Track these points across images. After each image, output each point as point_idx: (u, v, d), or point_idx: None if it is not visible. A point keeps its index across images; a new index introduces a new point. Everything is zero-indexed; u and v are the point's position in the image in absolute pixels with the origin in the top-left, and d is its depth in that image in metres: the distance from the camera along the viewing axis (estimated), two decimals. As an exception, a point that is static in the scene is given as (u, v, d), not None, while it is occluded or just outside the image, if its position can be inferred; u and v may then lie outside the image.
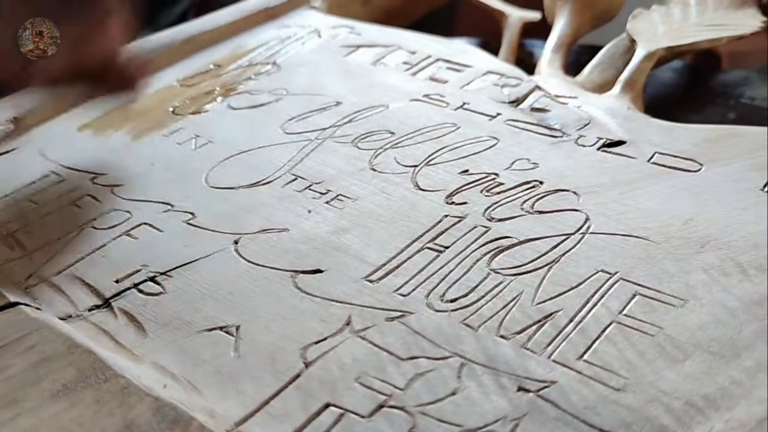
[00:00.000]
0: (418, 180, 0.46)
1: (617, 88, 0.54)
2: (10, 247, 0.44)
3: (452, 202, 0.44)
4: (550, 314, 0.37)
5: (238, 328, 0.38)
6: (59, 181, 0.49)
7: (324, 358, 0.35)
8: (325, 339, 0.36)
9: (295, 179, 0.48)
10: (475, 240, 0.41)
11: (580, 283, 0.38)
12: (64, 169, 0.50)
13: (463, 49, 0.61)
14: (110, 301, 0.40)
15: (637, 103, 0.53)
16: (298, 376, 0.35)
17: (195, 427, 0.32)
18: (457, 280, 0.39)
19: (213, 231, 0.44)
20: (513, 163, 0.47)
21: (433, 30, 0.64)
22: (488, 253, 0.41)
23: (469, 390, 0.33)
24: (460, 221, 0.43)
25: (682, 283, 0.38)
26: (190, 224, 0.45)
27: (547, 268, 0.39)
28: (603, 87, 0.56)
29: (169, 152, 0.51)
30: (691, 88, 0.64)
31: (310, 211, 0.45)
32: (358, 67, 0.59)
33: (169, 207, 0.46)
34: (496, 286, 0.39)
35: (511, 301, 0.38)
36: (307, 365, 0.35)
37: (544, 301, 0.37)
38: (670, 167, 0.45)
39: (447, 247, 0.41)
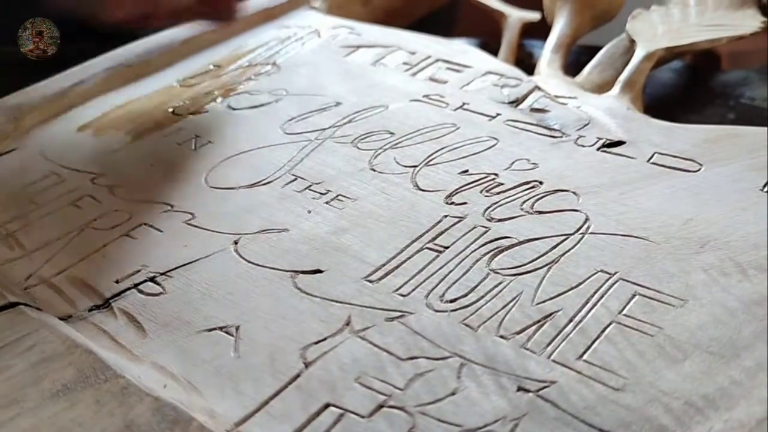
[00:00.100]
0: (417, 180, 0.46)
1: (617, 88, 0.54)
2: (10, 247, 0.44)
3: (452, 203, 0.44)
4: (550, 314, 0.37)
5: (237, 328, 0.38)
6: (59, 182, 0.49)
7: (324, 359, 0.35)
8: (324, 339, 0.36)
9: (295, 179, 0.48)
10: (475, 240, 0.41)
11: (580, 283, 0.38)
12: (64, 170, 0.50)
13: (462, 49, 0.61)
14: (110, 301, 0.40)
15: (636, 103, 0.53)
16: (297, 376, 0.35)
17: (195, 427, 0.32)
18: (456, 281, 0.39)
19: (213, 231, 0.44)
20: (513, 163, 0.47)
21: (433, 30, 0.64)
22: (488, 253, 0.41)
23: (468, 390, 0.33)
24: (459, 221, 0.43)
25: (681, 283, 0.38)
26: (189, 224, 0.45)
27: (546, 268, 0.39)
28: (602, 87, 0.56)
29: (169, 152, 0.51)
30: (690, 88, 0.64)
31: (309, 212, 0.45)
32: (358, 67, 0.59)
33: (169, 207, 0.46)
34: (495, 286, 0.39)
35: (511, 301, 0.38)
36: (306, 365, 0.35)
37: (544, 301, 0.37)
38: (669, 167, 0.45)
39: (447, 248, 0.41)
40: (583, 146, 0.48)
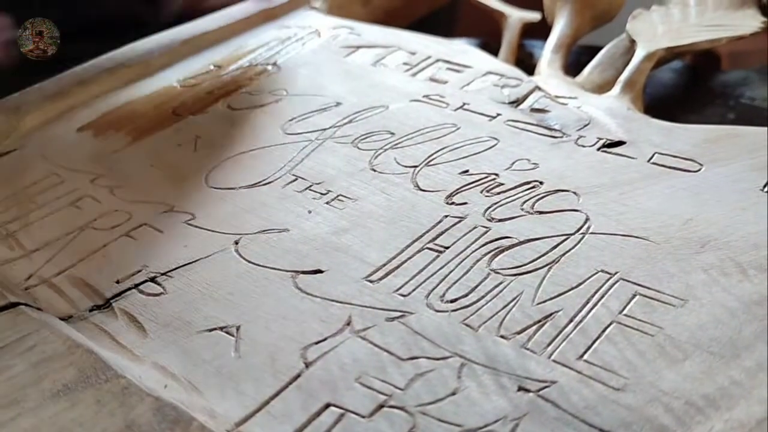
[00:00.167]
0: (418, 180, 0.46)
1: (617, 88, 0.54)
2: (10, 248, 0.44)
3: (452, 203, 0.44)
4: (550, 314, 0.37)
5: (238, 328, 0.38)
6: (59, 182, 0.49)
7: (324, 359, 0.35)
8: (325, 339, 0.36)
9: (296, 180, 0.48)
10: (475, 240, 0.41)
11: (580, 284, 0.38)
12: (64, 170, 0.50)
13: (463, 49, 0.61)
14: (111, 301, 0.40)
15: (636, 103, 0.53)
16: (298, 376, 0.35)
17: (195, 427, 0.32)
18: (457, 281, 0.39)
19: (213, 231, 0.44)
20: (513, 163, 0.47)
21: (433, 30, 0.64)
22: (488, 253, 0.41)
23: (469, 390, 0.33)
24: (460, 221, 0.43)
25: (682, 283, 0.38)
26: (190, 225, 0.45)
27: (547, 268, 0.39)
28: (603, 87, 0.56)
29: (169, 153, 0.52)
30: (690, 88, 0.64)
31: (310, 212, 0.45)
32: (358, 67, 0.59)
33: (169, 208, 0.46)
34: (496, 286, 0.39)
35: (511, 301, 0.38)
36: (307, 365, 0.35)
37: (544, 301, 0.37)
38: (670, 167, 0.45)
39: (447, 248, 0.41)
40: (584, 146, 0.48)
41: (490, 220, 0.43)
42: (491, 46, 0.65)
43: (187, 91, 0.58)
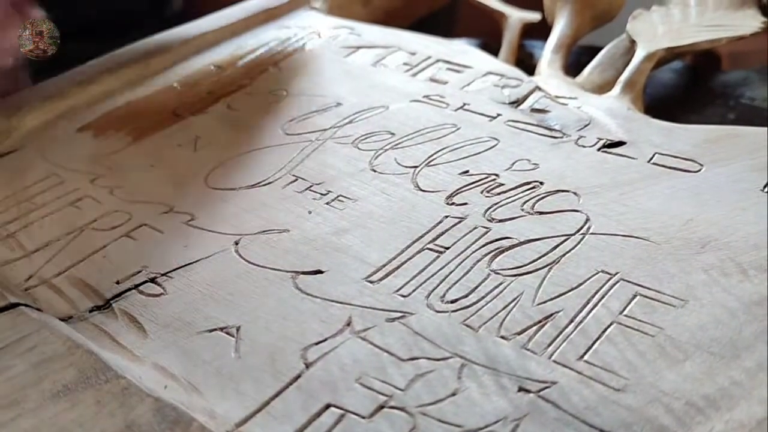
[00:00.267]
0: (418, 181, 0.46)
1: (617, 88, 0.54)
2: (10, 248, 0.44)
3: (452, 203, 0.44)
4: (551, 315, 0.37)
5: (238, 329, 0.38)
6: (59, 182, 0.49)
7: (324, 359, 0.35)
8: (325, 340, 0.36)
9: (296, 180, 0.48)
10: (476, 241, 0.41)
11: (581, 284, 0.38)
12: (65, 170, 0.50)
13: (463, 49, 0.61)
14: (111, 302, 0.40)
15: (637, 103, 0.53)
16: (298, 376, 0.35)
17: (195, 427, 0.32)
18: (457, 281, 0.39)
19: (213, 232, 0.44)
20: (513, 163, 0.47)
21: (433, 30, 0.64)
22: (489, 253, 0.41)
23: (469, 390, 0.33)
24: (460, 222, 0.43)
25: (682, 284, 0.38)
26: (190, 225, 0.45)
27: (547, 268, 0.39)
28: (603, 88, 0.56)
29: (169, 153, 0.52)
30: (691, 88, 0.64)
31: (310, 212, 0.45)
32: (359, 68, 0.59)
33: (169, 208, 0.46)
34: (496, 286, 0.39)
35: (512, 301, 0.38)
36: (307, 366, 0.35)
37: (545, 302, 0.37)
38: (670, 168, 0.45)
39: (447, 248, 0.41)
40: (584, 147, 0.48)
41: (491, 220, 0.43)
42: (491, 47, 0.65)
43: (187, 91, 0.58)
